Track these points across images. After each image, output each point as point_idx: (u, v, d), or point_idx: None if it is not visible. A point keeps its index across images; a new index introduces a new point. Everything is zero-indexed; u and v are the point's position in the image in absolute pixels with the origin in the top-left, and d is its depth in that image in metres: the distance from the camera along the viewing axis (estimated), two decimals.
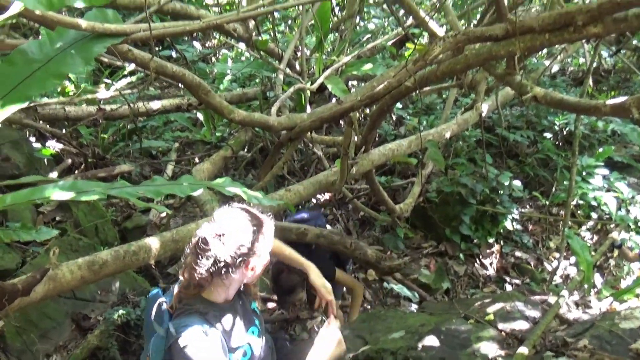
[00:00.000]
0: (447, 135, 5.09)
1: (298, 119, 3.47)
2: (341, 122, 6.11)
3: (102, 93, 5.72)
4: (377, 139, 6.80)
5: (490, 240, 6.26)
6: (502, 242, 6.33)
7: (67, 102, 5.17)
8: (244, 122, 3.12)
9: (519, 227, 6.42)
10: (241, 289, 2.11)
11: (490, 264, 6.17)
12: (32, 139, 5.60)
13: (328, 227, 6.17)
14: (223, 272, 1.88)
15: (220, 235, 1.88)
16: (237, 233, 1.90)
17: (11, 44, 1.99)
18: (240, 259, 1.89)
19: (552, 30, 2.61)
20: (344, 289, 4.58)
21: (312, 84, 5.72)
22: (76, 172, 5.74)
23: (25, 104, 1.81)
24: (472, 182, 5.98)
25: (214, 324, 1.90)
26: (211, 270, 1.88)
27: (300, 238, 4.25)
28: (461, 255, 6.05)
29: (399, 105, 7.18)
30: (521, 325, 3.24)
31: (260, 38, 4.93)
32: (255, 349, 2.04)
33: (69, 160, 5.84)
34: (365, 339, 3.48)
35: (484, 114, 5.65)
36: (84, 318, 3.93)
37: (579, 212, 6.75)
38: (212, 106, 2.93)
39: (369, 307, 5.33)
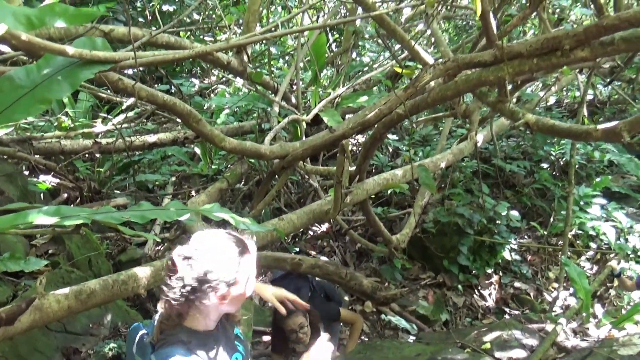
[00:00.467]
0: (443, 165, 5.09)
1: (290, 148, 3.48)
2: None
3: (99, 127, 5.75)
4: (374, 170, 6.82)
5: (489, 271, 6.21)
6: (500, 273, 6.27)
7: (62, 135, 5.19)
8: (235, 150, 3.12)
9: (517, 257, 6.37)
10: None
11: (489, 294, 6.11)
12: (26, 172, 5.62)
13: (324, 258, 6.16)
14: (192, 297, 1.78)
15: (188, 258, 1.79)
16: (206, 257, 1.79)
17: (1, 70, 2.00)
18: (208, 284, 1.78)
19: (540, 54, 2.63)
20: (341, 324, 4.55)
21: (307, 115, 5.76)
22: (72, 205, 5.72)
23: (9, 130, 1.80)
24: (469, 213, 5.96)
25: (197, 352, 1.82)
26: (180, 294, 1.78)
27: (295, 268, 4.23)
28: (459, 286, 5.98)
29: (395, 137, 7.22)
30: (518, 353, 3.19)
31: (255, 71, 4.97)
32: None
33: (65, 195, 5.84)
34: None
35: (479, 144, 5.67)
36: (74, 352, 3.86)
37: (577, 242, 6.71)
38: (203, 135, 2.93)
39: (366, 339, 5.24)
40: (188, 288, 1.77)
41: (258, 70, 5.27)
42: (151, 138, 5.76)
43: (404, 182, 4.94)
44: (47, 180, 5.73)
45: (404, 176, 4.67)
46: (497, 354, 3.20)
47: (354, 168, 4.29)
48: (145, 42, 3.08)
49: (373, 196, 6.81)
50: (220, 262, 1.80)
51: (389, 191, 6.50)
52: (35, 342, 3.77)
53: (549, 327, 3.41)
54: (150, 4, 8.40)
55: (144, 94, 2.72)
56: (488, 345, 3.29)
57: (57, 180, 5.90)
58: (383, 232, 5.33)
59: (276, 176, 4.06)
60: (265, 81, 5.68)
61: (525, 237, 6.75)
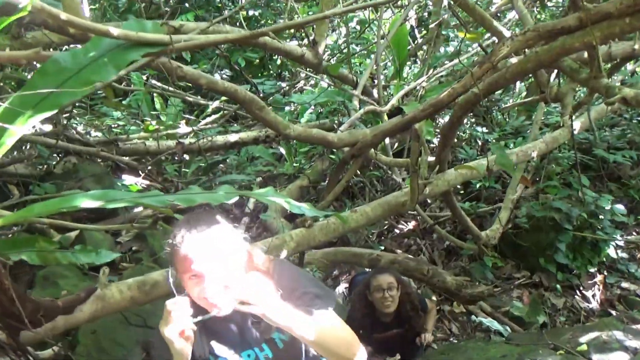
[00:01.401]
0: (534, 154, 4.72)
1: (360, 135, 3.31)
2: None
3: (183, 128, 5.85)
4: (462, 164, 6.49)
5: (592, 270, 5.71)
6: (605, 272, 5.75)
7: (147, 137, 5.31)
8: (300, 137, 3.01)
9: (624, 255, 5.83)
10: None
11: (593, 296, 5.60)
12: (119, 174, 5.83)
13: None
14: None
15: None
16: (178, 230, 1.74)
17: (46, 55, 1.98)
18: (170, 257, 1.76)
19: (633, 13, 2.30)
20: None
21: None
22: None
23: (54, 111, 1.77)
24: (567, 207, 5.51)
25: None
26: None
27: (373, 264, 4.05)
28: (558, 287, 5.53)
29: (484, 129, 6.85)
30: (619, 357, 2.83)
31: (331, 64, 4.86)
32: None
33: None
34: None
35: (576, 131, 5.23)
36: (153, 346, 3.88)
37: None
38: (266, 122, 2.84)
39: (455, 341, 4.95)
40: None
41: (334, 63, 5.14)
42: (232, 137, 5.80)
43: (491, 174, 4.64)
44: (137, 182, 5.92)
45: (491, 166, 4.36)
46: (595, 357, 2.86)
47: (433, 158, 4.06)
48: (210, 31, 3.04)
49: (462, 191, 6.51)
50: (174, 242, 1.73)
51: (478, 185, 6.15)
52: (116, 335, 3.83)
53: None
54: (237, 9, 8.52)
55: (204, 82, 2.66)
56: (584, 347, 2.95)
57: (147, 182, 6.09)
58: (471, 227, 5.04)
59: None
60: (344, 75, 5.55)
61: (634, 233, 6.15)
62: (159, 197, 1.90)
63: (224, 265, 1.72)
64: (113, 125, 6.33)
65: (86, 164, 4.88)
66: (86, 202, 1.86)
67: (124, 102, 7.22)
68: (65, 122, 4.52)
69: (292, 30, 8.26)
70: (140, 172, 5.83)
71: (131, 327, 3.96)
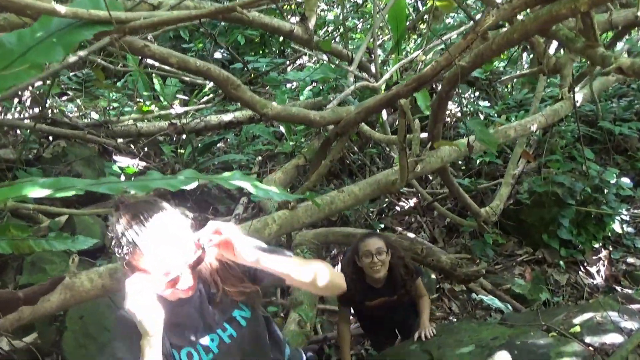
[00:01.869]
0: (533, 128, 4.57)
1: (344, 112, 3.19)
2: None
3: (176, 109, 5.75)
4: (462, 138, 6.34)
5: (597, 246, 5.57)
6: (610, 248, 5.61)
7: (139, 118, 5.22)
8: (279, 117, 2.89)
9: (630, 229, 5.67)
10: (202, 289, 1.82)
11: (598, 271, 5.47)
12: (116, 157, 5.75)
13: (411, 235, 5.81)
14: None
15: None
16: (118, 220, 1.68)
17: None
18: (115, 248, 1.66)
19: None
20: None
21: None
22: None
23: None
24: (571, 181, 5.36)
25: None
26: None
27: None
28: (562, 263, 5.41)
29: (486, 103, 6.67)
30: (613, 338, 2.71)
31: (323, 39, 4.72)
32: (201, 352, 1.78)
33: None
34: (432, 354, 3.09)
35: (578, 104, 5.06)
36: None
37: None
38: (243, 101, 2.72)
39: (455, 319, 4.87)
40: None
41: (326, 39, 4.98)
42: (227, 117, 5.69)
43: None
44: (134, 164, 5.85)
45: None
46: (588, 339, 2.74)
47: (425, 135, 3.93)
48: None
49: (463, 167, 6.38)
50: (119, 230, 1.66)
51: (479, 161, 6.01)
52: (104, 320, 3.79)
53: None
54: None
55: (175, 60, 2.55)
56: (578, 329, 2.84)
57: (144, 164, 6.02)
58: (470, 204, 4.91)
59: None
60: (338, 51, 5.39)
61: None
62: (113, 184, 1.81)
63: (182, 251, 1.67)
64: (108, 107, 6.23)
65: (76, 148, 4.82)
66: (35, 191, 1.77)
67: (119, 83, 7.12)
68: (48, 105, 4.43)
69: (292, 6, 8.08)
70: (137, 153, 5.77)
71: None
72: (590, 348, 2.69)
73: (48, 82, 4.73)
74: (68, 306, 2.37)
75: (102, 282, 2.44)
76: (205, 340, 1.80)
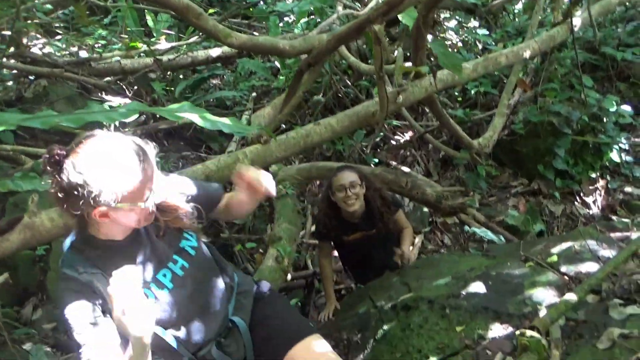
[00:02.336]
0: (526, 55, 4.41)
1: (316, 41, 3.05)
2: None
3: (163, 44, 5.61)
4: None
5: (593, 175, 5.47)
6: (608, 177, 5.50)
7: (123, 55, 5.09)
8: (245, 46, 2.75)
9: (629, 158, 5.54)
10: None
11: (594, 201, 5.40)
12: (109, 97, 5.64)
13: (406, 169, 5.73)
14: (66, 205, 1.52)
15: (66, 160, 1.49)
16: (85, 165, 1.46)
17: None
18: (78, 197, 1.47)
19: None
20: None
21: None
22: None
23: None
24: (568, 110, 5.20)
25: (86, 264, 1.62)
26: (55, 197, 1.52)
27: None
28: (557, 194, 5.33)
29: (485, 31, 6.42)
30: (590, 267, 2.65)
31: None
32: (161, 294, 1.73)
33: (143, 116, 5.84)
34: (410, 287, 3.06)
35: (576, 28, 4.85)
36: None
37: None
38: (206, 31, 2.60)
39: (445, 252, 4.85)
40: (59, 194, 1.50)
41: None
42: (215, 52, 5.53)
43: (477, 76, 4.36)
44: (124, 103, 5.75)
45: (474, 70, 4.08)
46: (564, 268, 2.69)
47: (409, 64, 3.79)
48: None
49: (460, 98, 6.22)
50: (97, 176, 1.47)
51: (474, 91, 5.84)
52: None
53: (635, 235, 2.82)
54: None
55: None
56: (555, 259, 2.79)
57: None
58: (461, 136, 4.80)
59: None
60: None
61: None
62: (46, 118, 1.73)
63: (155, 180, 1.61)
64: (95, 45, 6.09)
65: (57, 87, 4.73)
66: None
67: (106, 19, 6.93)
68: (26, 43, 4.32)
69: None
70: (127, 91, 5.67)
71: None
72: (565, 277, 2.64)
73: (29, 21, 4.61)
74: (30, 246, 2.34)
75: (64, 221, 2.40)
76: (158, 277, 1.76)
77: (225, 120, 2.05)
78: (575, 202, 5.37)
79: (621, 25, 6.46)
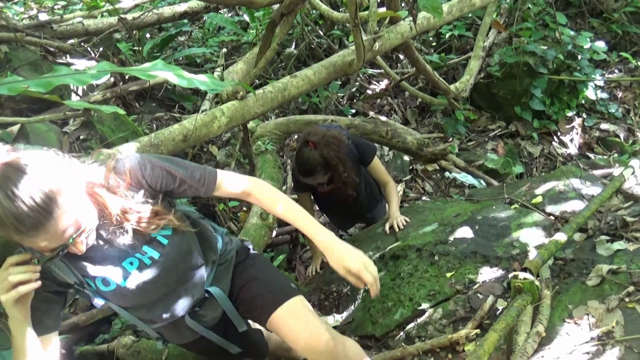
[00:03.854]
0: None
1: None
2: None
3: (125, 2, 5.38)
4: None
5: (570, 114, 5.48)
6: (584, 115, 5.52)
7: (85, 15, 4.88)
8: None
9: (604, 95, 5.56)
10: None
11: (571, 140, 5.43)
12: (73, 61, 5.43)
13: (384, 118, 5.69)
14: None
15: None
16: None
17: None
18: None
19: None
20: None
21: None
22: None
23: None
24: (542, 49, 5.16)
25: None
26: None
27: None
28: (535, 135, 5.34)
29: None
30: (575, 206, 2.67)
31: None
32: (124, 282, 1.68)
33: (112, 79, 5.66)
34: (397, 236, 3.06)
35: None
36: None
37: None
38: None
39: (427, 199, 4.86)
40: None
41: None
42: (181, 7, 5.33)
43: (452, 19, 4.28)
44: (90, 66, 5.56)
45: (449, 12, 4.00)
46: (549, 208, 2.70)
47: (383, 9, 3.69)
48: None
49: (434, 43, 6.14)
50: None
51: (448, 35, 5.76)
52: None
53: (617, 171, 2.83)
54: None
55: None
56: (540, 199, 2.79)
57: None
58: (438, 81, 4.75)
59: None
60: None
61: (615, 71, 5.83)
62: (12, 83, 1.63)
63: (62, 219, 1.37)
64: (55, 6, 5.83)
65: (20, 52, 4.52)
66: None
67: None
68: None
69: None
70: (92, 53, 5.46)
71: None
72: (551, 217, 2.65)
73: None
74: None
75: None
76: (123, 265, 1.67)
77: (202, 77, 1.97)
78: (553, 142, 5.40)
79: None
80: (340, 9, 6.15)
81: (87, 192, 1.50)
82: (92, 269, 1.62)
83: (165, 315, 1.82)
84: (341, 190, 3.09)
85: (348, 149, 3.02)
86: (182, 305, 1.84)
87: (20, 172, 1.30)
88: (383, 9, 3.85)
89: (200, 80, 1.93)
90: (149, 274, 1.70)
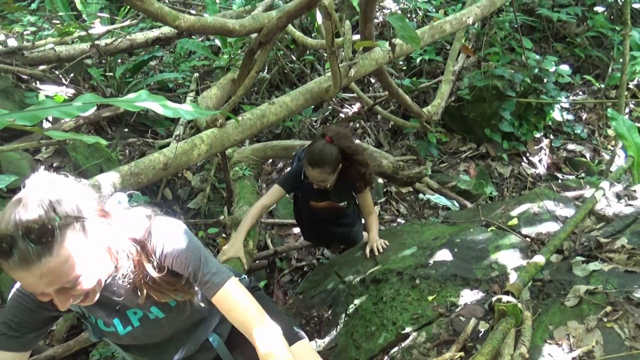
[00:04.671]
0: (469, 21, 4.44)
1: (265, 19, 2.97)
2: None
3: (98, 28, 5.37)
4: None
5: (538, 135, 5.64)
6: (551, 136, 5.68)
7: (58, 42, 4.85)
8: (194, 28, 2.66)
9: (570, 117, 5.74)
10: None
11: (540, 161, 5.57)
12: (44, 85, 5.37)
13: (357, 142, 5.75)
14: None
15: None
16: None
17: None
18: None
19: None
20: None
21: None
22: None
23: None
24: (510, 73, 5.31)
25: None
26: None
27: None
28: (505, 156, 5.47)
29: None
30: (550, 227, 2.75)
31: None
32: (124, 329, 1.67)
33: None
34: (376, 259, 3.09)
35: None
36: None
37: None
38: (151, 14, 2.48)
39: (402, 221, 4.92)
40: None
41: None
42: (153, 33, 5.35)
43: (424, 45, 4.38)
44: (62, 92, 5.50)
45: (421, 39, 4.09)
46: (525, 230, 2.77)
47: (358, 37, 3.77)
48: None
49: (404, 67, 6.26)
50: None
51: (419, 59, 5.89)
52: None
53: (589, 193, 2.93)
54: None
55: None
56: (515, 221, 2.87)
57: (72, 91, 5.67)
58: (411, 105, 4.84)
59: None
60: None
61: (580, 93, 6.04)
62: None
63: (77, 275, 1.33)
64: (25, 32, 5.77)
65: None
66: None
67: (33, 4, 6.59)
68: None
69: None
70: (63, 79, 5.42)
71: None
72: (527, 239, 2.72)
73: None
74: None
75: None
76: (126, 313, 1.65)
77: (186, 107, 1.98)
78: (523, 163, 5.53)
79: None
80: (312, 34, 6.24)
81: (122, 249, 1.46)
82: (95, 310, 1.61)
83: (159, 357, 1.80)
84: (335, 208, 3.14)
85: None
86: (179, 352, 1.83)
87: None
88: (357, 37, 3.94)
89: (186, 110, 1.95)
90: (150, 326, 1.69)
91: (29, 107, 1.76)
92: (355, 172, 3.13)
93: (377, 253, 3.13)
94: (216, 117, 2.94)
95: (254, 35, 3.25)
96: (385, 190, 5.29)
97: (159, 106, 1.89)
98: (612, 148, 5.53)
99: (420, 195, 5.14)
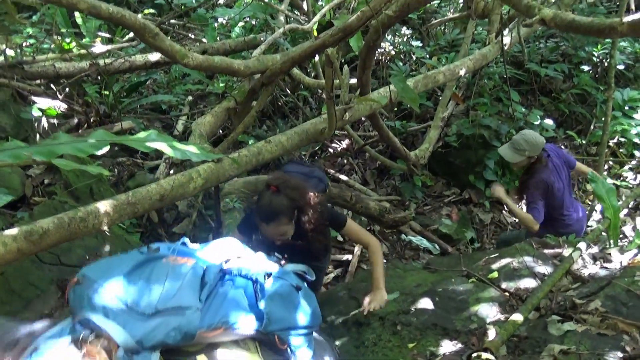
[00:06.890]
0: (462, 72, 4.61)
1: (269, 61, 3.09)
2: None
3: (98, 47, 5.44)
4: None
5: None
6: None
7: (58, 58, 4.91)
8: (201, 67, 2.76)
9: None
10: None
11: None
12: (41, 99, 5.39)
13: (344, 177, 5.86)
14: None
15: None
16: None
17: None
18: None
19: None
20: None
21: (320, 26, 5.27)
22: (79, 131, 5.57)
23: None
24: (497, 123, 5.49)
25: None
26: None
27: None
28: (486, 203, 5.62)
29: (419, 43, 6.65)
30: (528, 283, 2.85)
31: None
32: None
33: (76, 120, 5.65)
34: (359, 301, 3.17)
35: (506, 47, 5.12)
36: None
37: (620, 150, 6.18)
38: (162, 51, 2.58)
39: (385, 261, 4.99)
40: None
41: None
42: (154, 57, 5.42)
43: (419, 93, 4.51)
44: (55, 106, 5.53)
45: (415, 87, 4.24)
46: (504, 284, 2.87)
47: (354, 81, 3.89)
48: None
49: (396, 109, 6.41)
50: None
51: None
52: (28, 275, 3.65)
53: (567, 252, 3.05)
54: None
55: (84, 6, 2.36)
56: (495, 275, 2.97)
57: (66, 106, 5.71)
58: (399, 148, 4.95)
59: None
60: None
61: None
62: (15, 150, 1.69)
63: None
64: (24, 44, 5.81)
65: None
66: None
67: (35, 17, 6.65)
68: None
69: None
70: (58, 94, 5.46)
71: (45, 265, 3.79)
72: (506, 293, 2.82)
73: None
74: None
75: (18, 245, 2.32)
76: None
77: (192, 149, 2.07)
78: (503, 211, 5.68)
79: (543, 42, 6.85)
80: (308, 69, 6.38)
81: None
82: None
83: None
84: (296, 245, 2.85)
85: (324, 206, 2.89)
86: None
87: None
88: (354, 80, 4.07)
89: (192, 152, 2.03)
90: None
91: (44, 142, 1.83)
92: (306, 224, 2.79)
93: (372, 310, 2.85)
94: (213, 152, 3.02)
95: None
96: (368, 228, 5.38)
97: (167, 147, 1.98)
98: (591, 202, 5.71)
99: (403, 236, 5.25)
